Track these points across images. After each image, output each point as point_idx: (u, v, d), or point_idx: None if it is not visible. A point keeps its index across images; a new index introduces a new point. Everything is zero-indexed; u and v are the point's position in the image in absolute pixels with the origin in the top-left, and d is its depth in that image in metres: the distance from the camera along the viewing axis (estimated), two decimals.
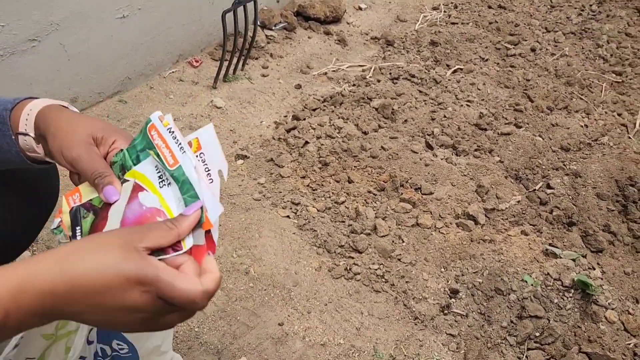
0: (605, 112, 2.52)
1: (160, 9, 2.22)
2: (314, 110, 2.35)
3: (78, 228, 0.65)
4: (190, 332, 1.42)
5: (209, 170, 0.65)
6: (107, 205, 0.65)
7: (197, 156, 0.65)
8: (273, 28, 2.90)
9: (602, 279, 1.65)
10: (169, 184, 0.64)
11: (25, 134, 0.71)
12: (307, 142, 2.09)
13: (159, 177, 0.65)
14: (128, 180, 0.66)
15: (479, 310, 1.55)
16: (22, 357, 0.81)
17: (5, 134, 0.72)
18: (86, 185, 0.68)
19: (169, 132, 0.65)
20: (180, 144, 0.64)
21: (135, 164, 0.67)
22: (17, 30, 1.71)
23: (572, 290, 1.58)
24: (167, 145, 0.64)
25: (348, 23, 3.22)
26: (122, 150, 0.69)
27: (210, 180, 0.64)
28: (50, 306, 0.49)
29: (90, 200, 0.67)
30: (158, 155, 0.64)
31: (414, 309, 1.54)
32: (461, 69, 2.77)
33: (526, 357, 1.45)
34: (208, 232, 0.60)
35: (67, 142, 0.67)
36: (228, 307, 1.49)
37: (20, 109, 0.72)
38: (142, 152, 0.68)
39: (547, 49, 3.04)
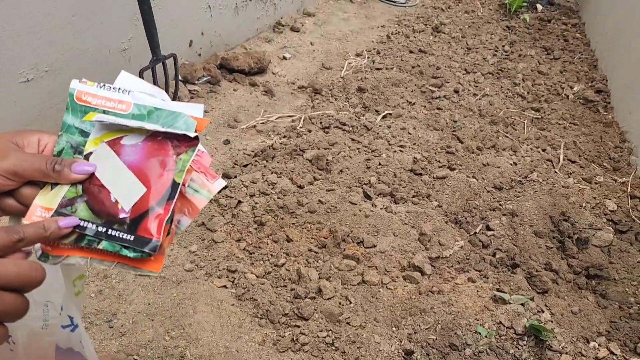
0: (531, 149, 2.59)
1: (69, 70, 2.06)
2: (245, 166, 2.24)
3: (84, 222, 0.58)
4: None
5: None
6: (91, 183, 0.59)
7: None
8: (196, 82, 2.80)
9: (552, 321, 1.62)
10: (137, 116, 0.63)
11: None
12: (240, 202, 1.97)
13: (121, 125, 0.62)
14: (94, 150, 0.61)
15: None
16: None
17: None
18: (42, 194, 0.59)
19: (100, 87, 0.63)
20: (119, 89, 0.63)
21: (86, 137, 0.62)
22: None
23: (526, 338, 1.54)
24: (109, 98, 0.62)
25: (274, 73, 3.18)
26: (59, 136, 0.63)
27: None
28: None
29: (64, 197, 0.59)
30: (105, 112, 0.62)
31: None
32: (390, 114, 2.78)
33: None
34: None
35: None
36: None
37: None
38: (84, 123, 0.63)
39: (469, 90, 3.13)
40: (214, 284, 1.66)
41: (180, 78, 2.68)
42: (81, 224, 0.58)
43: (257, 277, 1.68)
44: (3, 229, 0.52)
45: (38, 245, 0.59)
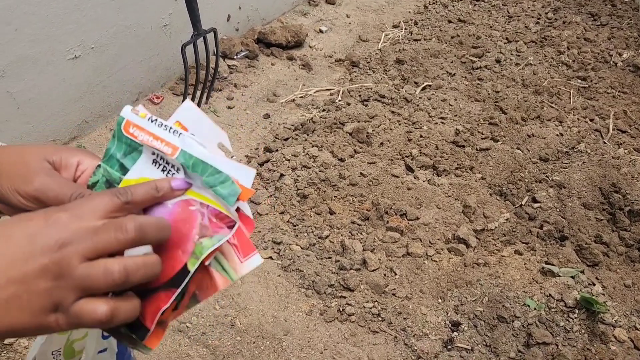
0: (577, 119, 2.50)
1: (114, 46, 2.09)
2: (286, 140, 2.25)
3: None
4: None
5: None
6: None
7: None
8: (235, 57, 2.80)
9: (603, 294, 1.59)
10: (177, 169, 0.54)
11: None
12: (282, 175, 1.98)
13: (163, 169, 0.55)
14: None
15: (484, 342, 1.46)
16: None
17: None
18: None
19: (151, 121, 0.55)
20: (170, 128, 0.54)
21: (123, 174, 0.55)
22: None
23: (577, 311, 1.51)
24: (157, 136, 0.54)
25: (310, 47, 3.15)
26: (98, 166, 0.57)
27: None
28: None
29: None
30: (152, 152, 0.55)
31: (415, 348, 1.44)
32: (430, 86, 2.72)
33: None
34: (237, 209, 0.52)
35: (21, 177, 0.53)
36: None
37: None
38: (127, 157, 0.56)
39: (511, 59, 3.03)
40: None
41: (219, 53, 2.69)
42: None
43: (301, 248, 1.70)
44: (110, 191, 0.48)
45: None
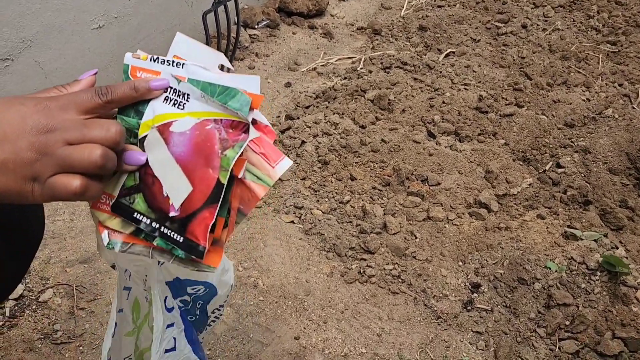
0: (606, 84, 2.44)
1: (137, 16, 2.11)
2: (307, 107, 2.25)
3: (136, 214, 0.57)
4: None
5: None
6: (145, 172, 0.57)
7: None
8: (256, 26, 2.80)
9: (627, 257, 1.57)
10: (187, 96, 0.57)
11: None
12: (303, 142, 2.00)
13: (174, 103, 0.58)
14: (146, 135, 0.57)
15: (504, 304, 1.47)
16: (120, 358, 0.80)
17: None
18: (104, 179, 0.59)
19: (153, 61, 0.58)
20: (172, 62, 0.58)
21: (140, 119, 0.58)
22: None
23: (599, 273, 1.50)
24: (156, 72, 0.58)
25: (332, 15, 3.13)
26: (114, 118, 0.59)
27: None
28: None
29: (124, 186, 0.58)
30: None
31: (435, 308, 1.46)
32: (453, 52, 2.68)
33: (559, 348, 1.37)
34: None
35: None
36: (239, 325, 1.40)
37: None
38: (139, 102, 0.58)
39: (537, 25, 2.96)
40: (282, 220, 1.71)
41: (240, 23, 2.69)
42: (137, 217, 0.57)
43: (322, 213, 1.72)
44: (93, 89, 0.53)
45: (106, 233, 0.59)
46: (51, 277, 1.51)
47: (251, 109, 0.56)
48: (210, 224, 0.55)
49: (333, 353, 1.35)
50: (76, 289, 1.47)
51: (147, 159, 0.57)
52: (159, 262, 0.70)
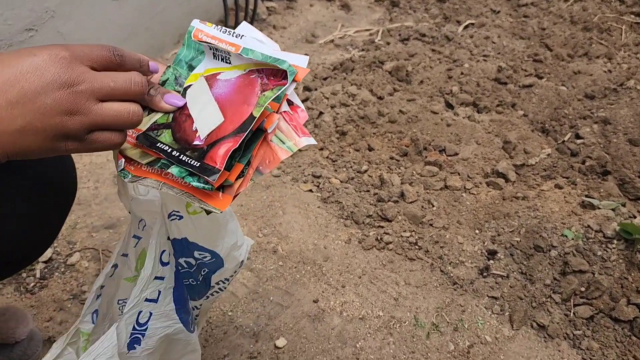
0: (628, 55, 2.40)
1: None
2: (325, 79, 2.26)
3: (159, 144, 0.60)
4: (223, 316, 1.37)
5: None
6: (181, 113, 0.61)
7: None
8: None
9: None
10: (238, 55, 0.63)
11: None
12: (321, 113, 2.01)
13: (223, 60, 0.63)
14: (192, 84, 0.63)
15: (519, 270, 1.49)
16: (115, 299, 0.82)
17: None
18: None
19: (217, 29, 0.64)
20: (233, 32, 0.63)
21: (191, 71, 0.64)
22: (12, 20, 1.63)
23: (615, 241, 1.51)
24: (222, 39, 0.62)
25: None
26: (168, 67, 0.65)
27: None
28: None
29: (155, 122, 0.61)
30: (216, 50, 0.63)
31: (451, 274, 1.48)
32: (473, 24, 2.65)
33: (574, 313, 1.39)
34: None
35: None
36: (259, 289, 1.44)
37: None
38: (194, 60, 0.65)
39: None
40: (300, 188, 1.74)
41: None
42: (159, 146, 0.60)
43: (340, 182, 1.74)
44: (108, 47, 0.55)
45: (122, 161, 0.62)
46: (78, 242, 1.56)
47: (295, 80, 0.60)
48: (232, 150, 0.57)
49: (351, 315, 1.38)
50: (102, 253, 1.52)
51: (186, 103, 0.61)
52: (169, 215, 0.74)
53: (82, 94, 0.48)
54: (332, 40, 2.58)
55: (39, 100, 0.46)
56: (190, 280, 0.92)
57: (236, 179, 0.60)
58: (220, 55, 0.63)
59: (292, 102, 0.65)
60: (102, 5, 1.93)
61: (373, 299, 1.42)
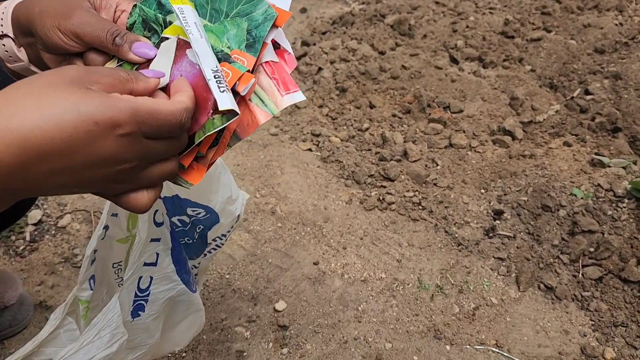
0: None
1: None
2: (324, 33, 2.16)
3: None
4: (220, 279, 1.33)
5: None
6: (145, 67, 0.52)
7: None
8: None
9: None
10: (214, 17, 0.53)
11: (2, 36, 0.57)
12: (320, 69, 1.92)
13: (199, 35, 0.51)
14: (168, 38, 0.52)
15: (526, 230, 1.44)
16: (109, 262, 0.79)
17: None
18: (108, 64, 0.54)
19: None
20: None
21: (163, 14, 0.54)
22: None
23: (626, 200, 1.46)
24: None
25: None
26: (134, 6, 0.55)
27: None
28: None
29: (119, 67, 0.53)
30: None
31: (456, 235, 1.43)
32: None
33: (582, 274, 1.35)
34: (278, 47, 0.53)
35: (62, 14, 0.53)
36: (258, 251, 1.39)
37: None
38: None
39: None
40: (299, 147, 1.67)
41: None
42: None
43: (341, 140, 1.68)
44: (117, 72, 0.46)
45: None
46: (68, 204, 1.50)
47: (275, 25, 0.52)
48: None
49: (352, 278, 1.34)
50: (94, 215, 1.47)
51: (156, 55, 0.52)
52: None
53: (135, 169, 0.44)
54: None
55: (88, 173, 0.41)
56: (186, 239, 0.88)
57: (209, 148, 0.53)
58: (204, 5, 0.53)
59: (280, 45, 0.55)
60: None
61: (375, 260, 1.38)
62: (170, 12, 0.54)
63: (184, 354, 1.18)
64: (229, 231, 0.93)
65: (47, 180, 0.39)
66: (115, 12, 0.56)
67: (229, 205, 0.89)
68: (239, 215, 0.92)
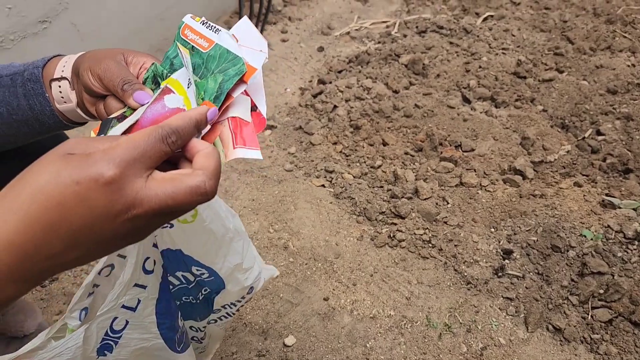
0: None
1: None
2: (340, 72, 2.23)
3: (102, 135, 0.57)
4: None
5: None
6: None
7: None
8: None
9: None
10: (198, 85, 0.59)
11: (61, 79, 0.67)
12: (335, 106, 1.98)
13: (188, 80, 0.60)
14: (160, 87, 0.60)
15: (536, 271, 1.45)
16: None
17: (38, 93, 0.68)
18: (118, 111, 0.62)
19: (202, 24, 0.61)
20: (214, 27, 0.60)
21: (170, 72, 0.62)
22: (25, 12, 1.62)
23: (636, 242, 1.46)
24: (201, 35, 0.60)
25: None
26: (153, 64, 0.64)
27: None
28: (15, 267, 0.40)
29: (123, 112, 0.61)
30: (193, 49, 0.60)
31: (465, 274, 1.45)
32: (492, 16, 2.59)
33: (592, 316, 1.35)
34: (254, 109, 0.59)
35: (96, 60, 0.62)
36: (270, 285, 1.43)
37: (55, 63, 0.69)
38: (176, 58, 0.62)
39: None
40: (312, 183, 1.72)
41: None
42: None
43: (354, 177, 1.72)
44: (159, 137, 0.46)
45: None
46: None
47: (242, 80, 0.57)
48: None
49: (362, 314, 1.36)
50: None
51: (147, 103, 0.59)
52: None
53: (141, 217, 0.43)
54: (348, 33, 2.54)
55: (94, 235, 0.42)
56: (189, 298, 0.87)
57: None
58: (187, 70, 0.60)
59: (256, 107, 0.60)
60: None
61: (384, 297, 1.40)
62: (175, 70, 0.62)
63: None
64: (239, 301, 0.91)
65: (67, 254, 0.42)
66: (140, 68, 0.64)
67: (238, 274, 0.87)
68: (252, 287, 0.90)
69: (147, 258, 0.70)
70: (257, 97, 0.59)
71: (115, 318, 0.67)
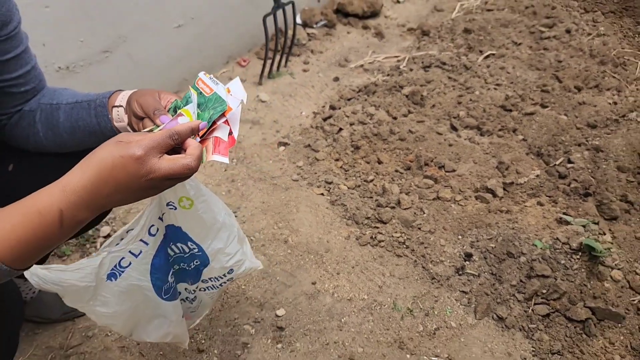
0: (637, 89, 2.57)
1: (210, 17, 2.52)
2: (349, 99, 2.57)
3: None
4: (238, 289, 1.70)
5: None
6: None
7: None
8: (314, 26, 3.14)
9: (612, 243, 1.77)
10: (199, 114, 0.92)
11: (119, 106, 1.02)
12: (341, 129, 2.32)
13: (194, 111, 0.92)
14: (182, 114, 0.93)
15: (490, 271, 1.73)
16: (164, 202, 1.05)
17: (104, 114, 1.04)
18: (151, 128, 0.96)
19: (210, 79, 0.93)
20: (216, 81, 0.92)
21: (184, 105, 0.94)
22: (92, 44, 2.05)
23: (580, 253, 1.72)
24: (207, 85, 0.92)
25: (386, 16, 3.41)
26: (175, 100, 0.98)
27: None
28: (87, 198, 0.72)
29: (152, 128, 0.93)
30: (200, 93, 0.92)
31: (431, 271, 1.74)
32: (493, 54, 2.89)
33: (532, 310, 1.61)
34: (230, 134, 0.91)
35: (140, 95, 0.96)
36: (269, 270, 1.76)
37: (116, 95, 1.03)
38: (189, 97, 0.94)
39: (583, 30, 3.08)
40: (313, 192, 2.05)
41: (300, 22, 3.05)
42: None
43: (348, 188, 2.04)
44: (168, 135, 0.78)
45: None
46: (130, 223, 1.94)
47: (223, 114, 0.90)
48: None
49: (341, 297, 1.67)
50: None
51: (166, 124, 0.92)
52: (167, 204, 1.04)
53: (155, 179, 0.74)
54: (361, 65, 2.89)
55: (128, 187, 0.73)
56: (185, 265, 1.17)
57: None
58: (200, 101, 0.93)
59: (232, 131, 0.92)
60: (166, 32, 2.33)
61: (361, 285, 1.71)
62: (188, 104, 0.95)
63: (203, 341, 1.54)
64: (222, 277, 1.18)
65: (114, 197, 0.75)
66: (167, 102, 0.98)
67: (222, 256, 1.14)
68: (231, 269, 1.17)
69: (152, 225, 1.03)
70: (234, 125, 0.92)
71: (123, 258, 1.00)
